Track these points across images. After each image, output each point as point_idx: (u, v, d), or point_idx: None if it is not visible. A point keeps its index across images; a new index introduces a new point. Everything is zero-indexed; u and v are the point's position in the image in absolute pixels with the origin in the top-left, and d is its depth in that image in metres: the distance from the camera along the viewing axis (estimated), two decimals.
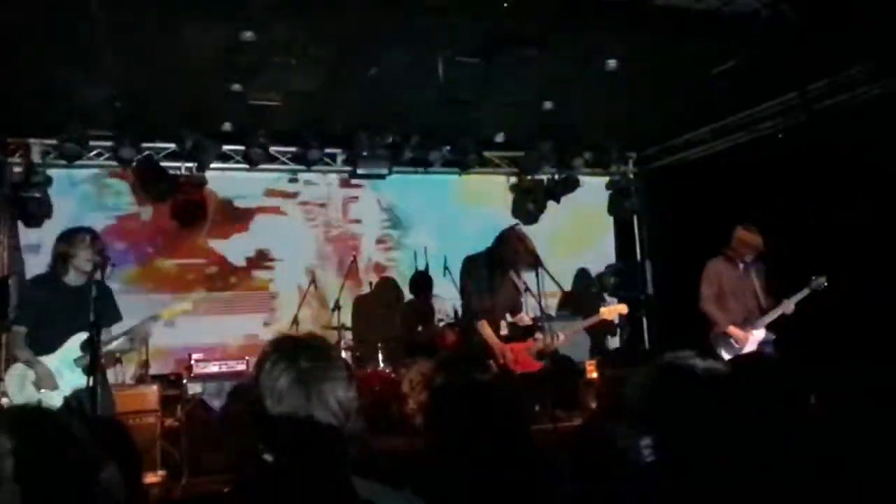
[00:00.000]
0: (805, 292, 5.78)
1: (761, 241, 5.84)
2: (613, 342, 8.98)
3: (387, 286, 8.42)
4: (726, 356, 5.65)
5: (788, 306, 5.79)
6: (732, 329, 5.84)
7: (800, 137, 6.89)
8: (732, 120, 7.78)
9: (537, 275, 5.39)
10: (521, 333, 5.75)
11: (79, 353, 4.39)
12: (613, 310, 6.16)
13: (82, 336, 4.34)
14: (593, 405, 6.55)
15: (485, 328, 5.55)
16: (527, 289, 6.15)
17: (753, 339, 5.81)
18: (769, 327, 5.86)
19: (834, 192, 6.45)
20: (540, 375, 5.90)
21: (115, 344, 4.55)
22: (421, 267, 8.24)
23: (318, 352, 1.72)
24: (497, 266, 5.69)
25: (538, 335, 5.66)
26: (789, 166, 6.88)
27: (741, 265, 5.94)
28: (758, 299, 5.92)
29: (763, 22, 5.56)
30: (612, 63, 6.18)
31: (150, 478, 5.54)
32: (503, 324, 5.80)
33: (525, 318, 5.86)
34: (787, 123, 7.05)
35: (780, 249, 6.01)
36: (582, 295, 8.78)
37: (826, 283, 5.75)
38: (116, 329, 4.60)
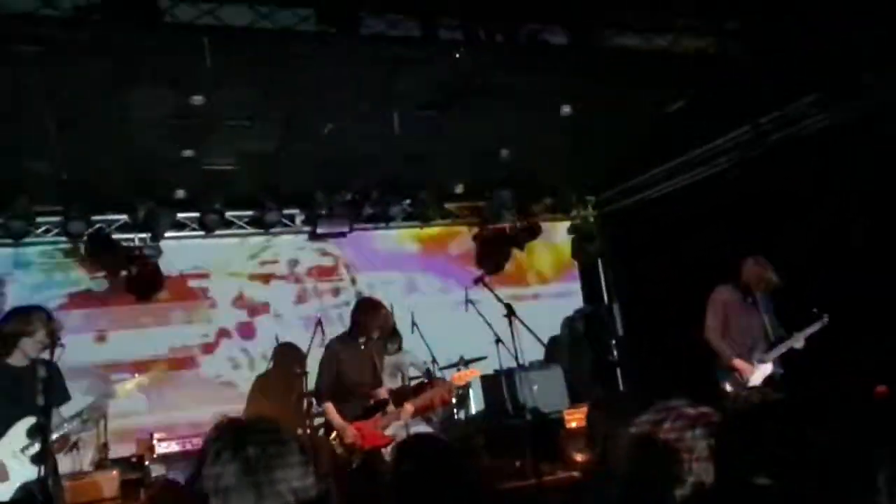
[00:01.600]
0: (817, 326, 5.57)
1: (774, 275, 5.64)
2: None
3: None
4: (731, 390, 5.52)
5: (799, 340, 5.60)
6: (738, 362, 5.60)
7: (756, 170, 6.94)
8: (689, 157, 7.84)
9: (510, 323, 5.27)
10: (375, 408, 5.67)
11: (26, 441, 4.08)
12: (463, 375, 5.94)
13: (29, 421, 4.06)
14: (578, 457, 6.33)
15: (329, 410, 5.54)
16: (498, 340, 6.03)
17: (760, 373, 5.59)
18: (778, 361, 5.67)
19: (797, 221, 6.44)
20: (518, 430, 5.71)
21: (66, 427, 4.25)
22: None
23: (266, 436, 1.53)
24: (355, 339, 5.69)
25: (388, 409, 5.62)
26: (748, 199, 6.91)
27: (749, 297, 5.74)
28: (766, 332, 5.70)
29: (712, 59, 5.65)
30: (566, 108, 6.20)
31: None
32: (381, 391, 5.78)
33: (381, 392, 5.79)
34: (743, 157, 7.11)
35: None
36: (557, 343, 8.66)
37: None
38: (66, 410, 4.33)
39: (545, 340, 8.29)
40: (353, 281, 8.44)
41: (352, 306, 5.98)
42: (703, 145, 7.60)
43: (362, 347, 5.68)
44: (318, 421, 6.46)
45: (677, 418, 1.77)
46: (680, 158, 7.95)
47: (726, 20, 5.50)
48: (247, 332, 7.96)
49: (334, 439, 5.51)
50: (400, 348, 7.30)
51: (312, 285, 8.31)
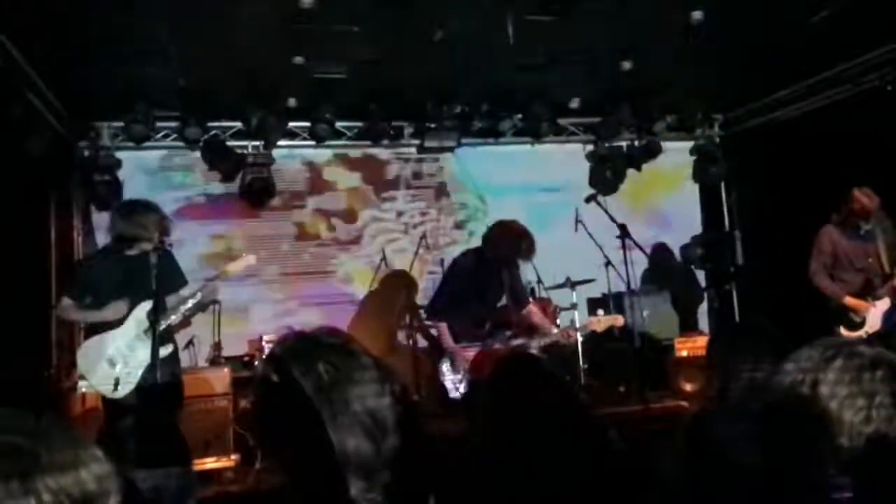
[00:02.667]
0: None
1: (878, 204, 5.19)
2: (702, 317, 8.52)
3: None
4: (846, 333, 5.12)
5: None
6: (850, 300, 5.20)
7: None
8: (831, 74, 7.11)
9: (623, 245, 4.99)
10: (493, 332, 5.28)
11: (146, 324, 4.26)
12: (605, 321, 5.36)
13: (148, 305, 4.23)
14: (688, 387, 6.08)
15: (442, 332, 5.28)
16: (608, 262, 5.77)
17: (877, 310, 5.15)
18: None
19: None
20: (624, 355, 5.48)
21: (184, 308, 4.40)
22: None
23: (338, 350, 1.39)
24: (486, 259, 5.27)
25: (510, 332, 5.24)
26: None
27: (861, 230, 5.28)
28: (882, 266, 5.23)
29: None
30: (696, 15, 5.67)
31: (223, 462, 5.45)
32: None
33: (511, 315, 5.29)
34: None
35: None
36: (669, 268, 8.28)
37: None
38: (184, 293, 4.49)
39: (659, 265, 7.94)
40: (445, 190, 8.33)
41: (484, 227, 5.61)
42: (848, 60, 6.86)
43: (492, 266, 5.27)
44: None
45: (851, 356, 1.48)
46: (820, 75, 7.23)
47: None
48: (352, 235, 8.07)
49: (444, 362, 5.31)
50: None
51: (415, 191, 8.30)
